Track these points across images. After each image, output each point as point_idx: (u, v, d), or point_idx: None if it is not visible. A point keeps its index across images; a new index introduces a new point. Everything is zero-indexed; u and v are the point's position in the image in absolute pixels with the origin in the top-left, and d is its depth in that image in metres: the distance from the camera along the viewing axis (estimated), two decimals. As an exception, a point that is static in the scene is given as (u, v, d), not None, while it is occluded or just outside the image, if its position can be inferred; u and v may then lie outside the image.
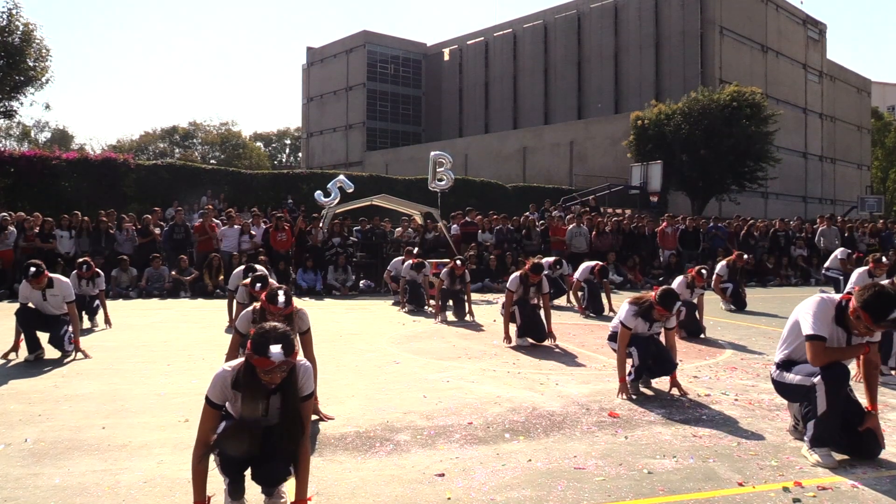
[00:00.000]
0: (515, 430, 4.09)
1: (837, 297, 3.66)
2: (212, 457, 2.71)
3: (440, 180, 15.10)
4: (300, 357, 2.86)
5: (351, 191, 15.45)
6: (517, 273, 7.41)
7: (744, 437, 3.98)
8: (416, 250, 12.69)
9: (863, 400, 3.72)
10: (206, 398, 2.73)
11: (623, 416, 4.41)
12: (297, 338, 4.28)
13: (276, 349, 2.57)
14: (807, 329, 3.60)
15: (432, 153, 15.81)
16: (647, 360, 4.97)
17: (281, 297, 3.98)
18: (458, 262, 9.39)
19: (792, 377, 3.73)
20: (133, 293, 12.15)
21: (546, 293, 7.39)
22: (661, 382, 5.22)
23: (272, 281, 5.68)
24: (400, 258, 11.99)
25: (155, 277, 12.51)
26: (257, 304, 4.26)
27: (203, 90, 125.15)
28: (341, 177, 15.72)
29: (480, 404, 4.69)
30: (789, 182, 40.08)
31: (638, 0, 40.76)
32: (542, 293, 7.31)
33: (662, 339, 5.15)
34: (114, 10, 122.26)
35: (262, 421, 2.77)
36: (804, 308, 3.70)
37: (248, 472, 2.83)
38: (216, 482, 2.83)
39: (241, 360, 2.77)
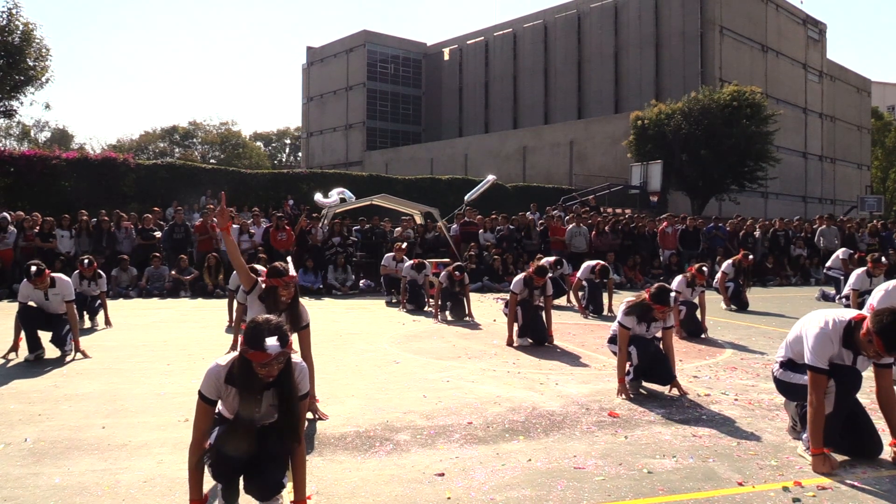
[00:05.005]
0: (515, 430, 4.09)
1: (847, 317, 3.49)
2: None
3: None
4: (296, 357, 2.85)
5: (353, 201, 15.71)
6: (521, 275, 7.40)
7: (743, 436, 3.98)
8: (404, 245, 12.78)
9: (864, 401, 3.72)
10: (200, 393, 2.72)
11: (623, 416, 4.41)
12: (295, 334, 4.32)
13: (272, 341, 2.55)
14: (807, 356, 3.51)
15: (491, 176, 17.02)
16: (646, 359, 4.97)
17: (289, 268, 4.20)
18: (457, 271, 9.33)
19: (800, 377, 3.67)
20: (133, 293, 12.15)
21: (549, 295, 7.39)
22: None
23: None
24: (391, 254, 12.30)
25: (155, 277, 12.52)
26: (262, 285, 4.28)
27: (203, 90, 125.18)
28: (346, 190, 16.02)
29: (480, 404, 4.69)
30: (789, 182, 40.06)
31: (638, 0, 40.75)
32: (545, 295, 7.32)
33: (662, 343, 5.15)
34: (114, 10, 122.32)
35: (257, 419, 2.75)
36: (811, 326, 3.56)
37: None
38: (214, 482, 2.82)
39: (233, 355, 2.75)
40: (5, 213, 12.48)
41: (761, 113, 27.31)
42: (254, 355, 2.57)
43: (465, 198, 16.25)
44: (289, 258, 4.44)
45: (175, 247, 13.43)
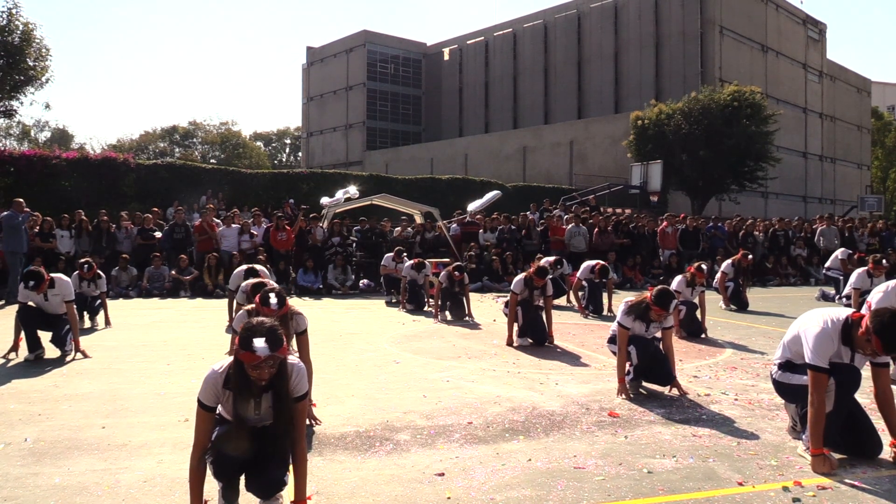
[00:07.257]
0: (515, 430, 4.09)
1: (843, 315, 3.49)
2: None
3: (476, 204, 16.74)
4: (293, 358, 2.85)
5: (356, 197, 15.76)
6: (521, 275, 7.40)
7: (743, 436, 3.98)
8: (404, 255, 12.76)
9: (863, 401, 3.72)
10: (199, 401, 2.72)
11: (623, 416, 4.41)
12: (294, 338, 4.28)
13: (259, 343, 2.54)
14: (808, 355, 3.50)
15: (496, 192, 17.41)
16: (646, 359, 4.97)
17: (273, 299, 3.92)
18: (457, 271, 9.32)
19: (800, 378, 3.66)
20: (133, 293, 12.16)
21: (549, 295, 7.39)
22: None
23: (270, 282, 5.65)
24: (391, 254, 12.28)
25: (155, 277, 12.52)
26: (252, 306, 4.23)
27: (203, 90, 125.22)
28: (352, 187, 16.07)
29: (480, 404, 4.69)
30: (789, 182, 40.06)
31: (638, 0, 40.74)
32: (545, 295, 7.31)
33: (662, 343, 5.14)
34: (114, 10, 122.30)
35: (255, 420, 2.75)
36: (809, 326, 3.55)
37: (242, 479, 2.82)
38: (212, 485, 2.82)
39: (230, 359, 2.76)
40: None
41: (761, 113, 27.31)
42: (244, 356, 2.59)
43: (469, 209, 16.33)
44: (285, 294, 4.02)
45: (175, 247, 13.43)
